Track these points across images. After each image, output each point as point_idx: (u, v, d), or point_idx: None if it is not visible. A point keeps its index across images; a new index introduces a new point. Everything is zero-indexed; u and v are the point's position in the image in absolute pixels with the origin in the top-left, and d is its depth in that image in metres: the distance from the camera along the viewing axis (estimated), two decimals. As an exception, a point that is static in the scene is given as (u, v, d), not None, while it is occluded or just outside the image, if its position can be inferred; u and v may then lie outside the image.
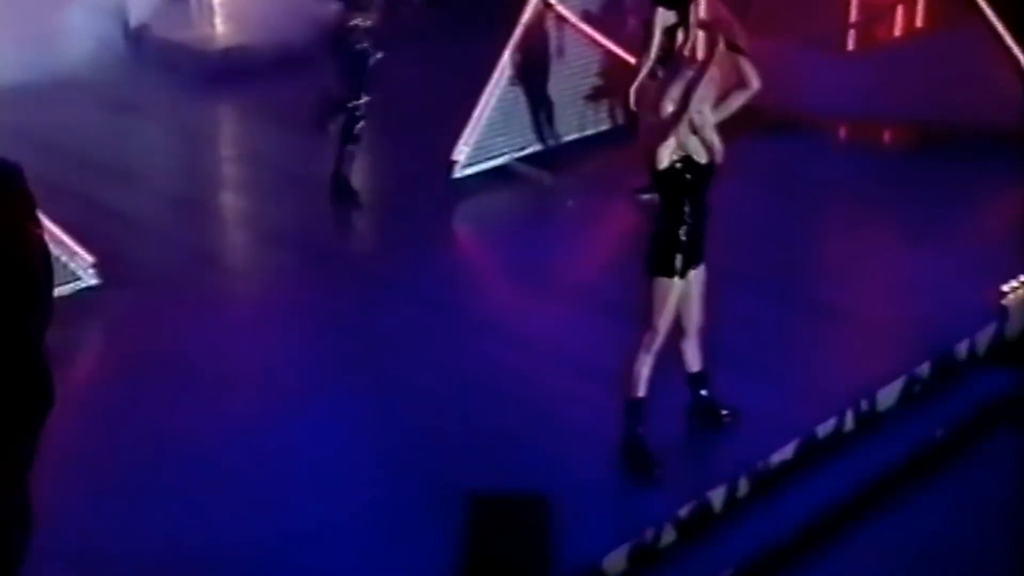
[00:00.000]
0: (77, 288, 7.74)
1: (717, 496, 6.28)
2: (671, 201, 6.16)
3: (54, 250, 7.43)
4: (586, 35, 9.89)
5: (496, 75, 9.47)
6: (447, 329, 7.68)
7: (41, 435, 5.22)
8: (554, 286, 8.31)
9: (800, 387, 7.07)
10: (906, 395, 7.21)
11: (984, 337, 7.68)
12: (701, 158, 6.11)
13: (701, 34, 8.97)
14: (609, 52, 9.71)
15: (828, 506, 6.42)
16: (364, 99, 9.12)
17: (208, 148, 10.59)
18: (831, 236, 9.19)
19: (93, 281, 7.79)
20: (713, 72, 6.02)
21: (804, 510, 6.34)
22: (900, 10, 11.09)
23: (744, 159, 8.85)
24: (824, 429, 6.79)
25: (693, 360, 6.58)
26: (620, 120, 9.91)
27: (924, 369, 7.34)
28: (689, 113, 5.94)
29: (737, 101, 6.21)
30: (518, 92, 9.47)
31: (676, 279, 6.20)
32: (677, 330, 6.43)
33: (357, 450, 6.57)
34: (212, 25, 11.94)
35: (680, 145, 6.04)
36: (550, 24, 9.75)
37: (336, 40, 9.09)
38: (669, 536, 6.06)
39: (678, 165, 6.05)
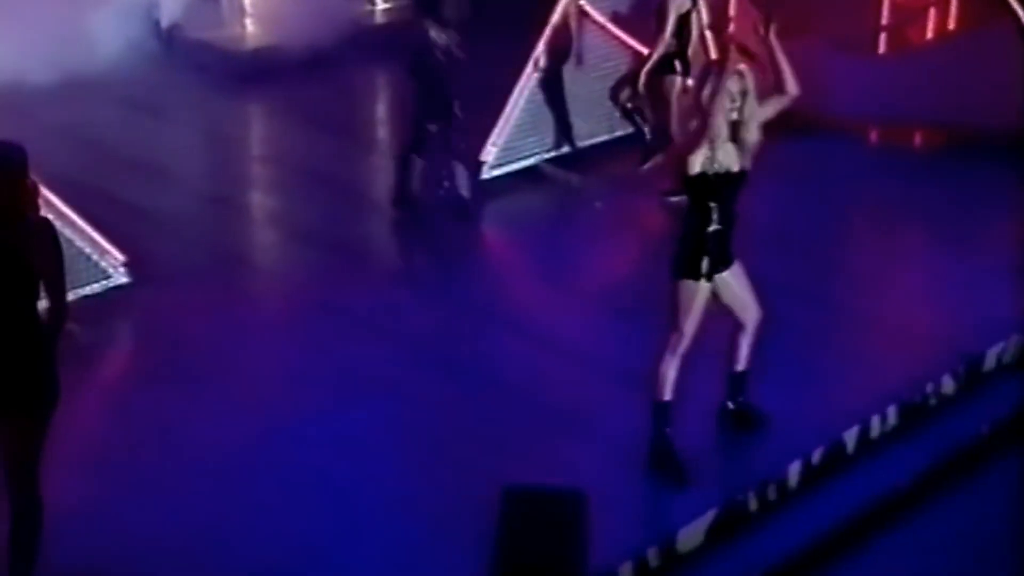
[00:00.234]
0: (108, 286, 7.78)
1: (745, 500, 6.26)
2: (699, 204, 6.15)
3: (85, 248, 7.57)
4: (615, 36, 9.88)
5: (525, 76, 9.47)
6: (475, 330, 7.69)
7: (48, 429, 5.19)
8: (583, 288, 8.30)
9: (829, 392, 7.05)
10: (934, 402, 7.16)
11: (1014, 345, 7.61)
12: (733, 166, 6.10)
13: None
14: (638, 54, 9.68)
15: (856, 512, 6.39)
16: (445, 118, 8.80)
17: (238, 148, 10.63)
18: (860, 240, 9.14)
19: (124, 279, 7.84)
20: (740, 71, 6.00)
21: (831, 516, 6.32)
22: (932, 12, 11.01)
23: (774, 161, 8.83)
24: (851, 435, 6.74)
25: (741, 358, 6.56)
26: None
27: (953, 376, 7.28)
28: (718, 121, 5.92)
29: (774, 107, 6.20)
30: (547, 93, 9.43)
31: (702, 282, 6.19)
32: (735, 326, 6.43)
33: (386, 450, 6.59)
34: (243, 25, 11.98)
35: (712, 154, 6.03)
36: (579, 25, 9.73)
37: (414, 58, 8.82)
38: (696, 540, 6.04)
39: (709, 173, 6.05)
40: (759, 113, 6.14)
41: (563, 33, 9.58)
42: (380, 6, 12.81)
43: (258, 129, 11.33)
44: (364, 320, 7.78)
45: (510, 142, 9.55)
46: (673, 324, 6.24)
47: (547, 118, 9.50)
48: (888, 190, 9.66)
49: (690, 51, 9.06)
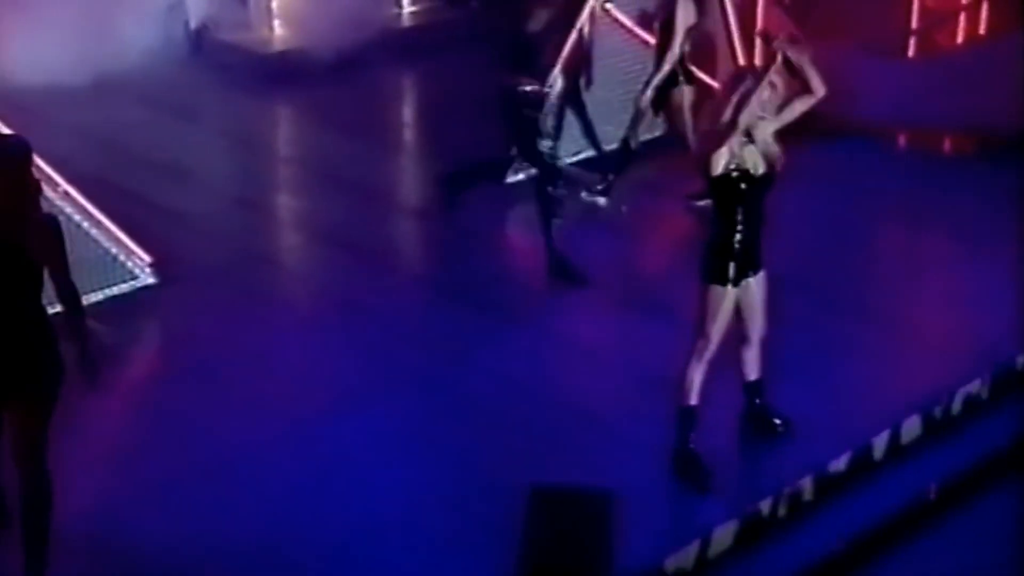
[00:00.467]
0: (135, 287, 7.81)
1: (768, 507, 6.22)
2: (725, 209, 6.13)
3: (112, 249, 7.60)
4: (641, 39, 9.84)
5: (550, 79, 9.42)
6: (499, 333, 7.67)
7: (54, 409, 5.26)
8: (607, 292, 8.27)
9: (855, 397, 7.00)
10: (962, 409, 7.11)
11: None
12: (757, 169, 6.06)
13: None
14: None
15: (883, 517, 6.35)
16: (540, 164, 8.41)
17: (264, 149, 10.65)
18: (889, 244, 9.08)
19: (150, 280, 7.87)
20: (774, 81, 5.98)
21: (857, 523, 6.27)
22: (963, 17, 10.94)
23: (802, 165, 8.77)
24: (879, 440, 6.70)
25: (752, 368, 6.53)
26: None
27: (983, 382, 7.23)
28: (744, 122, 5.89)
29: (800, 107, 6.17)
30: (571, 96, 9.39)
31: (729, 287, 6.16)
32: (739, 336, 6.40)
33: (410, 451, 6.59)
34: (270, 28, 11.98)
35: (736, 154, 6.00)
36: (605, 28, 9.70)
37: (504, 105, 8.50)
38: (721, 545, 6.00)
39: (733, 174, 6.01)
40: (785, 114, 6.11)
41: (589, 36, 9.53)
42: (407, 9, 12.80)
43: (285, 131, 11.35)
44: (389, 321, 7.78)
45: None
46: (700, 329, 6.22)
47: (571, 121, 9.45)
48: (917, 195, 9.60)
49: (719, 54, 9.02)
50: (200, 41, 11.91)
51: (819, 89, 6.11)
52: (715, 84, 9.33)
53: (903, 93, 10.39)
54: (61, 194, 7.23)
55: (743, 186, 6.05)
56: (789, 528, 6.22)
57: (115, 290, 7.66)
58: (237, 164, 10.20)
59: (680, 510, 6.23)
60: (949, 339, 7.66)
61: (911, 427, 6.88)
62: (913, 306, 8.06)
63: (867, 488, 6.50)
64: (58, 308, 5.43)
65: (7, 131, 5.75)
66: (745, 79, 6.04)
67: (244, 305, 7.94)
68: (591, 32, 9.43)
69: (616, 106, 9.77)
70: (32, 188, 5.22)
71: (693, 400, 6.27)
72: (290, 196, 9.87)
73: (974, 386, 7.20)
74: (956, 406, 7.11)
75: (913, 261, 8.74)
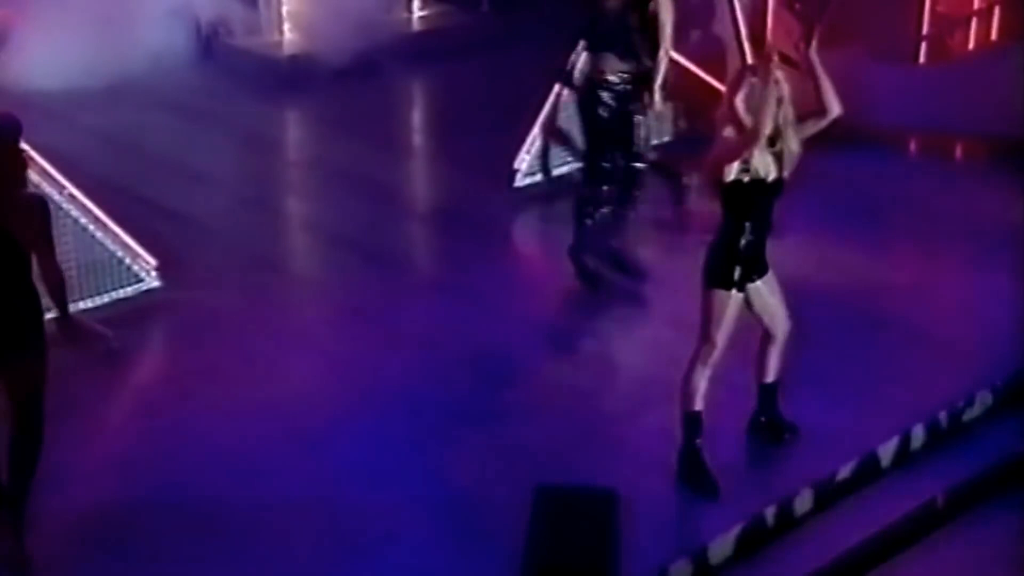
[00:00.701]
0: (140, 290, 7.80)
1: (774, 514, 6.17)
2: (734, 213, 6.08)
3: (118, 252, 7.60)
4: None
5: (559, 84, 9.41)
6: (507, 338, 7.64)
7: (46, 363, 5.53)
8: (615, 296, 8.23)
9: (864, 404, 6.95)
10: (971, 417, 7.05)
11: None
12: (769, 175, 6.03)
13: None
14: (673, 62, 9.59)
15: (889, 525, 6.29)
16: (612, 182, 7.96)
17: (274, 153, 10.65)
18: (901, 251, 9.01)
19: (156, 283, 7.85)
20: (782, 83, 5.93)
21: (862, 531, 6.22)
22: (975, 22, 10.88)
23: (813, 172, 8.74)
24: (886, 448, 6.65)
25: (771, 369, 6.48)
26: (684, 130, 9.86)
27: (992, 391, 7.17)
28: (765, 131, 5.85)
29: (815, 126, 6.13)
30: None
31: (734, 292, 6.12)
32: (765, 336, 6.38)
33: (417, 455, 6.55)
34: (280, 32, 12.00)
35: (748, 161, 5.96)
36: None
37: (583, 98, 8.01)
38: (725, 553, 5.96)
39: (745, 179, 5.98)
40: (799, 130, 6.06)
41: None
42: (417, 13, 12.81)
43: (294, 135, 11.37)
44: (396, 326, 7.76)
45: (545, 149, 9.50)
46: (704, 334, 6.17)
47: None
48: (929, 201, 9.54)
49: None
50: (211, 45, 11.94)
51: (835, 109, 6.06)
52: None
53: (914, 99, 10.33)
54: (67, 197, 7.22)
55: (753, 192, 6.01)
56: (794, 535, 6.16)
57: (120, 293, 7.65)
58: (247, 167, 10.20)
59: (686, 516, 6.18)
60: (961, 347, 7.58)
61: (918, 435, 6.83)
62: (925, 313, 7.98)
63: (873, 496, 6.44)
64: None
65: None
66: (757, 87, 5.95)
67: (251, 308, 7.92)
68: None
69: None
70: (19, 165, 5.27)
71: (698, 405, 6.22)
72: (299, 200, 9.87)
73: (982, 395, 7.12)
74: (965, 414, 7.04)
75: (924, 268, 8.66)
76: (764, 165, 5.99)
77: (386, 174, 9.99)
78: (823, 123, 6.10)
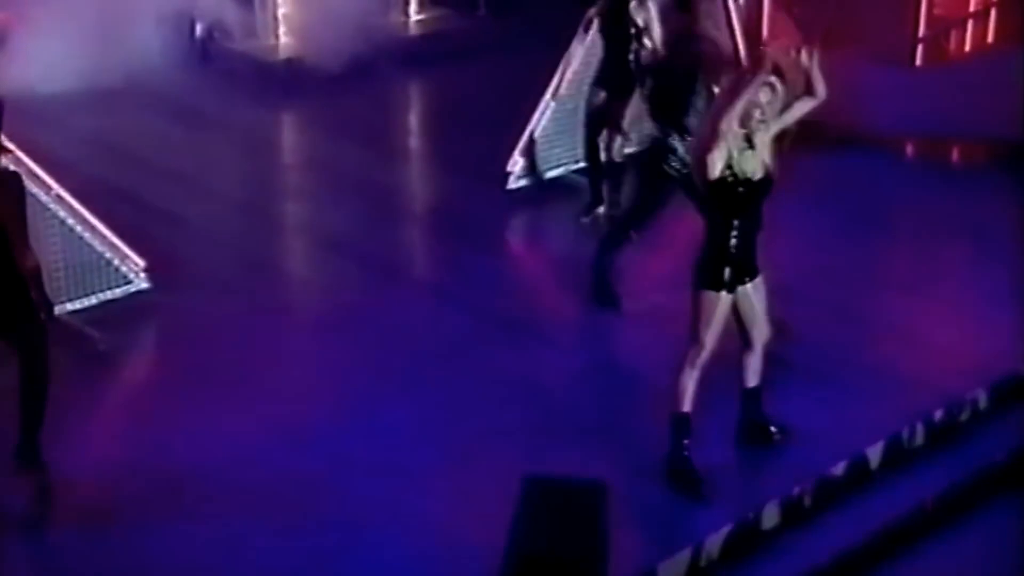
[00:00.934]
0: (128, 292, 7.78)
1: (761, 516, 6.13)
2: (721, 214, 6.05)
3: (106, 253, 7.58)
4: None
5: (552, 85, 9.41)
6: (499, 339, 7.62)
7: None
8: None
9: (855, 407, 6.91)
10: (963, 420, 7.01)
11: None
12: (756, 174, 5.99)
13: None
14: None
15: (879, 527, 6.25)
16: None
17: (268, 156, 10.64)
18: (896, 254, 8.99)
19: (144, 285, 7.83)
20: (772, 82, 5.91)
21: (852, 534, 6.17)
22: (971, 25, 10.85)
23: (810, 175, 8.77)
24: (875, 452, 6.60)
25: (752, 374, 6.44)
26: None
27: (984, 394, 7.12)
28: (737, 127, 5.82)
29: (801, 109, 6.11)
30: (575, 103, 9.35)
31: (724, 293, 6.08)
32: (743, 342, 6.34)
33: (405, 455, 6.52)
34: (276, 36, 12.01)
35: (733, 159, 5.94)
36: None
37: (647, 159, 7.88)
38: (711, 555, 5.92)
39: (730, 178, 5.95)
40: (786, 116, 6.05)
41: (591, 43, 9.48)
42: (414, 17, 12.80)
43: (290, 138, 11.36)
44: (389, 327, 7.74)
45: (537, 152, 9.48)
46: (694, 336, 6.14)
47: (573, 129, 9.40)
48: (925, 204, 9.52)
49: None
50: (207, 48, 11.94)
51: (820, 91, 6.04)
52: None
53: (911, 102, 10.31)
54: (54, 197, 7.20)
55: (740, 191, 5.98)
56: (781, 538, 6.11)
57: (109, 295, 7.62)
58: (242, 170, 10.20)
59: (672, 518, 6.14)
60: (954, 350, 7.54)
61: (910, 436, 6.78)
62: (919, 316, 7.95)
63: (864, 498, 6.39)
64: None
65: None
66: (741, 82, 5.97)
67: (243, 311, 7.90)
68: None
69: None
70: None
71: (687, 407, 6.19)
72: (293, 202, 9.85)
73: (974, 396, 7.08)
74: (958, 416, 7.00)
75: (920, 271, 8.63)
76: (750, 164, 5.96)
77: (380, 177, 9.98)
78: (809, 106, 6.07)
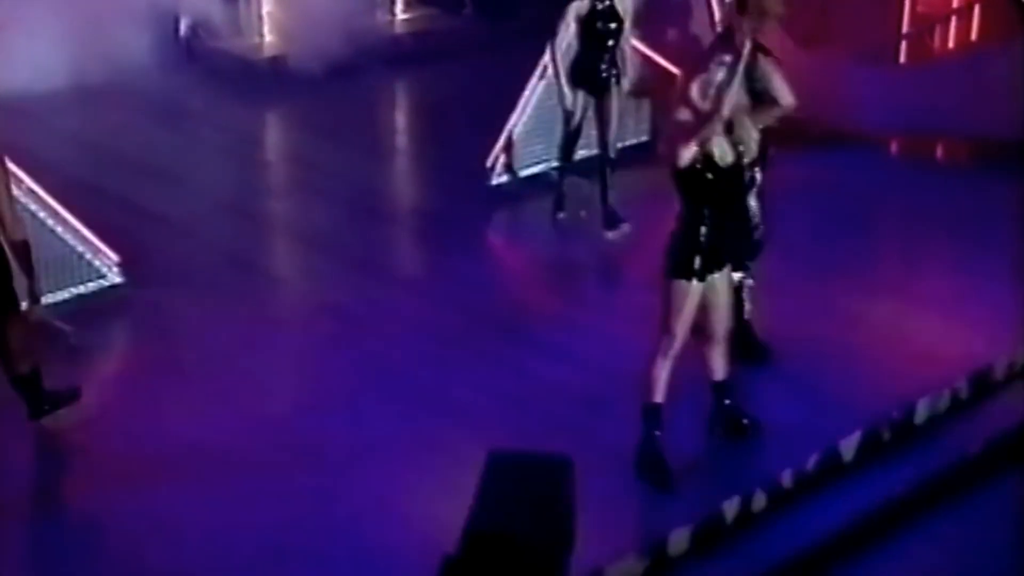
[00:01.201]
0: (102, 286, 7.75)
1: (732, 508, 6.09)
2: (691, 201, 6.01)
3: (79, 247, 7.56)
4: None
5: (532, 83, 9.39)
6: (480, 335, 7.60)
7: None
8: (589, 294, 8.26)
9: (829, 401, 6.87)
10: (937, 413, 6.98)
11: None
12: (725, 160, 5.95)
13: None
14: (648, 60, 9.58)
15: (849, 521, 6.21)
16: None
17: (250, 154, 10.62)
18: (878, 251, 8.96)
19: (118, 280, 7.81)
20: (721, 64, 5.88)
21: (823, 525, 6.14)
22: (954, 23, 10.83)
23: (793, 172, 8.73)
24: (848, 443, 6.57)
25: (718, 368, 6.38)
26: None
27: (959, 388, 7.10)
28: (722, 115, 5.78)
29: (768, 116, 6.07)
30: (555, 100, 9.31)
31: (694, 282, 6.03)
32: (704, 336, 6.26)
33: (381, 448, 6.49)
34: (260, 35, 12.01)
35: (704, 145, 5.88)
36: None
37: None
38: (680, 547, 5.88)
39: (698, 165, 5.90)
40: (756, 119, 6.01)
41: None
42: (400, 16, 12.79)
43: (273, 136, 11.36)
44: (370, 323, 7.71)
45: (517, 148, 9.45)
46: (664, 325, 6.09)
47: (555, 125, 9.37)
48: (908, 202, 9.49)
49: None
50: (192, 47, 11.93)
51: (787, 100, 6.01)
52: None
53: (895, 100, 10.28)
54: (25, 191, 7.17)
55: (709, 176, 5.92)
56: (750, 530, 6.07)
57: (82, 289, 7.60)
58: (225, 169, 10.18)
59: (643, 510, 6.10)
60: (932, 345, 7.50)
61: (885, 430, 6.75)
62: (898, 312, 7.90)
63: (834, 492, 6.35)
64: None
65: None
66: (718, 69, 5.88)
67: (220, 305, 7.87)
68: None
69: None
70: None
71: (658, 397, 6.14)
72: (276, 200, 9.82)
73: (952, 389, 7.06)
74: (933, 410, 6.96)
75: (902, 268, 8.61)
76: (720, 151, 5.91)
77: (363, 175, 9.96)
78: (776, 113, 6.05)
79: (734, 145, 5.95)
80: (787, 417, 6.67)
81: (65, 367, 6.92)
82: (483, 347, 7.48)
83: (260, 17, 11.94)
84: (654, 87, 9.47)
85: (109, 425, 6.69)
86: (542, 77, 9.31)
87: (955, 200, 9.42)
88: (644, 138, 9.91)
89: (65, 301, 7.48)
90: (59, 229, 7.41)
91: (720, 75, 5.83)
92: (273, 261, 8.96)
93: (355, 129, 10.80)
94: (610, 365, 7.20)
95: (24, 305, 6.22)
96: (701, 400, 6.47)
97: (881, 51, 10.70)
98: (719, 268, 6.13)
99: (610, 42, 8.57)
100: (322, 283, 8.30)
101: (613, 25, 8.55)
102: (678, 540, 5.87)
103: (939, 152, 10.58)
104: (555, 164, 9.24)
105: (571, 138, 8.93)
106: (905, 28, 10.73)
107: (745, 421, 6.51)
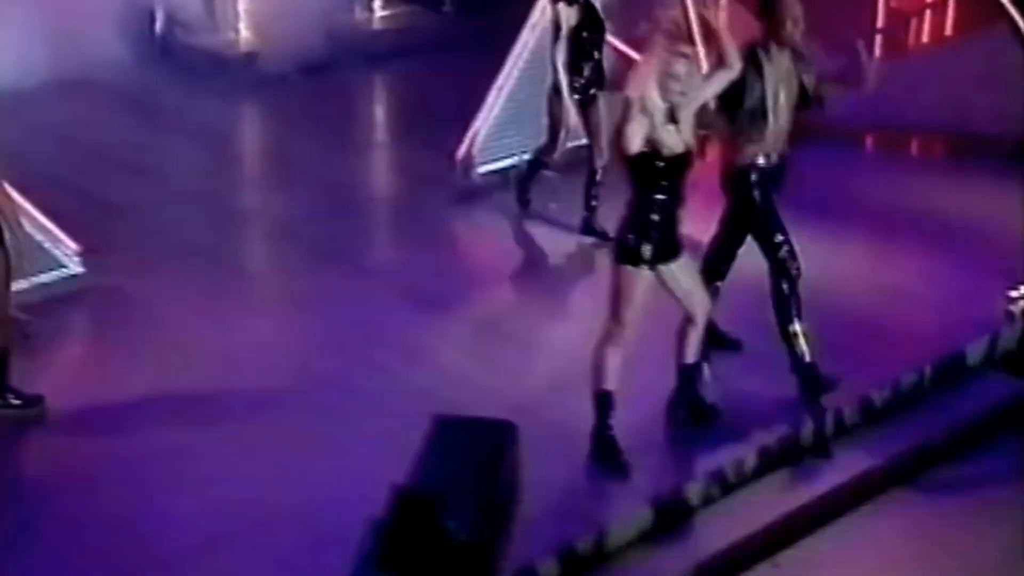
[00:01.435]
0: (62, 276, 7.74)
1: (688, 493, 6.07)
2: (641, 188, 5.99)
3: (37, 236, 7.55)
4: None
5: (503, 76, 9.38)
6: (444, 327, 7.60)
7: None
8: (560, 286, 8.27)
9: (793, 388, 6.84)
10: (906, 395, 6.98)
11: (987, 343, 7.42)
12: (675, 148, 5.93)
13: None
14: (619, 53, 9.55)
15: (807, 506, 6.19)
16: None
17: (225, 149, 10.60)
18: (852, 243, 8.93)
19: (79, 269, 7.80)
20: (685, 52, 5.87)
21: (779, 511, 6.12)
22: (929, 16, 10.82)
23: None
24: (807, 428, 6.55)
25: (690, 351, 6.35)
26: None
27: (925, 373, 7.10)
28: (636, 96, 5.77)
29: (718, 82, 6.07)
30: (527, 93, 9.31)
31: (643, 269, 6.01)
32: (685, 316, 6.25)
33: (344, 438, 6.44)
34: (236, 30, 11.98)
35: (652, 132, 5.87)
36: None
37: (729, 181, 6.77)
38: (630, 534, 5.85)
39: (647, 150, 5.88)
40: (706, 90, 6.00)
41: (542, 34, 9.43)
42: (378, 13, 12.77)
43: (247, 131, 11.32)
44: (335, 317, 7.67)
45: (488, 141, 9.44)
46: (612, 312, 6.06)
47: (527, 117, 9.35)
48: (882, 194, 9.44)
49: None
50: (167, 42, 11.92)
51: (734, 62, 6.00)
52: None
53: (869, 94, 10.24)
54: (-17, 181, 7.13)
55: (659, 164, 5.91)
56: (706, 516, 6.06)
57: (42, 279, 7.58)
58: (195, 163, 10.17)
59: (595, 496, 6.07)
60: (901, 333, 7.51)
61: (849, 413, 6.73)
62: (868, 301, 7.88)
63: (795, 475, 6.35)
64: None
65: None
66: (658, 52, 5.91)
67: (179, 295, 7.85)
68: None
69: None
70: None
71: (609, 385, 6.11)
72: (247, 193, 9.83)
73: (913, 376, 7.05)
74: (897, 395, 6.96)
75: (874, 259, 8.57)
76: (670, 138, 5.90)
77: (336, 169, 9.94)
78: (726, 78, 6.05)
79: (681, 132, 5.94)
80: (756, 405, 6.64)
81: (22, 357, 6.90)
82: (453, 338, 7.49)
83: (236, 12, 11.91)
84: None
85: (65, 415, 6.66)
86: (511, 73, 9.31)
87: (930, 194, 9.38)
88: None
89: (24, 290, 7.45)
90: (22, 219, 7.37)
91: (680, 67, 5.82)
92: (240, 252, 8.94)
93: (330, 124, 10.78)
94: (578, 352, 7.16)
95: None
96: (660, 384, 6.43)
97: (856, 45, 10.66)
98: (673, 257, 6.10)
99: (596, 53, 8.54)
100: (292, 273, 8.29)
101: (598, 33, 8.54)
102: (630, 524, 5.84)
103: (913, 146, 10.55)
104: (527, 159, 9.22)
105: (553, 146, 8.85)
106: (880, 23, 10.72)
107: (706, 407, 6.48)
